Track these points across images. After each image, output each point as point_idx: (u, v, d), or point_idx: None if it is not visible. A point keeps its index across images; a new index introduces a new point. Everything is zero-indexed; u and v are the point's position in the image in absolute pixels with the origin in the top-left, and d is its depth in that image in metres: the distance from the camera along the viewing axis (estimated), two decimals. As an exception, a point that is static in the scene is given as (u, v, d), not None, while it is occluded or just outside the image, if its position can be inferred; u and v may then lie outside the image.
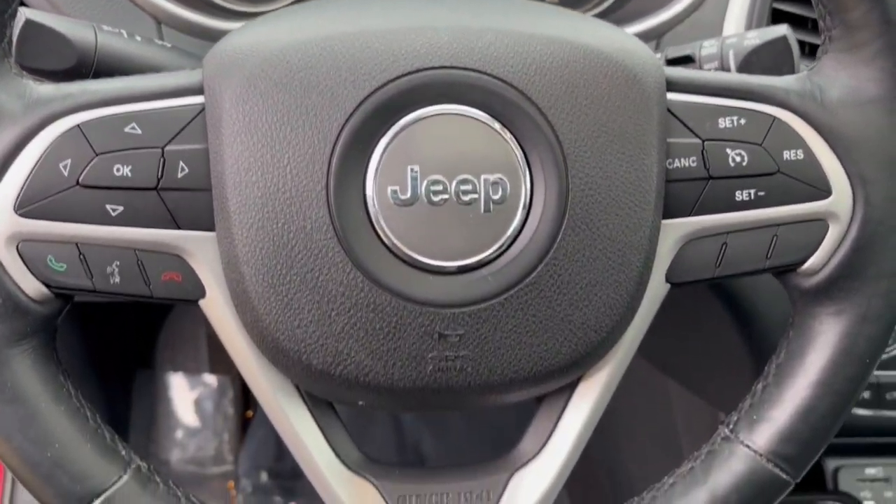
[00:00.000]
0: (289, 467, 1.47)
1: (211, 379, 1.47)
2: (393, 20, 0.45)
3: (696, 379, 1.01)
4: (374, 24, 0.45)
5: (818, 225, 0.48)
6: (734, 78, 0.48)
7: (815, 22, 0.50)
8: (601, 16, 0.82)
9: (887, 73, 0.46)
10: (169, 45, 0.59)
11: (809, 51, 0.72)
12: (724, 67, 0.59)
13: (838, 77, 0.48)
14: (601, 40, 0.46)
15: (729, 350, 0.87)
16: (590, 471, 1.25)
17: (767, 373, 0.51)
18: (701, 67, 0.59)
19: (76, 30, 0.54)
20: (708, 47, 0.60)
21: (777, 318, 0.67)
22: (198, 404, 1.46)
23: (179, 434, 1.44)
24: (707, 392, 0.99)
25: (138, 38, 0.57)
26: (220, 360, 1.47)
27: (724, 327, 0.85)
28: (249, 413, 1.50)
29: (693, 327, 0.96)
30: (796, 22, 0.68)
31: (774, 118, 0.47)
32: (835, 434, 0.50)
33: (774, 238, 0.48)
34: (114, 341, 1.34)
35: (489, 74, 0.44)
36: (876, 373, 0.81)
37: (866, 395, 0.82)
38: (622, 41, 0.47)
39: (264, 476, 1.46)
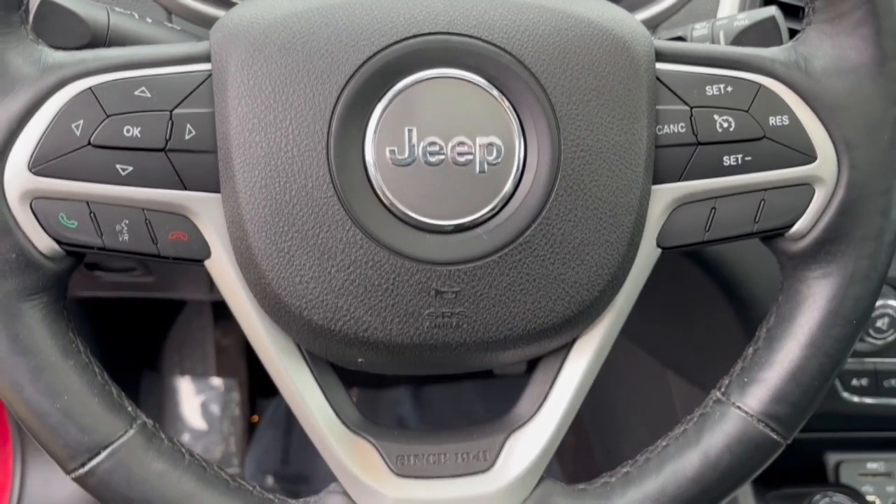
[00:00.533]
0: (294, 471, 1.48)
1: (217, 382, 1.48)
2: None
3: (698, 372, 1.01)
4: None
5: (804, 189, 0.49)
6: (720, 48, 0.50)
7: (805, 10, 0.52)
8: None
9: (868, 42, 0.48)
10: (178, 28, 0.61)
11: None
12: (715, 48, 0.60)
13: (822, 46, 0.49)
14: (592, 10, 0.48)
15: (731, 342, 0.88)
16: (591, 463, 1.25)
17: (758, 337, 0.53)
18: (693, 48, 0.61)
19: (90, 9, 0.56)
20: (699, 29, 0.61)
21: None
22: (204, 407, 1.47)
23: (186, 437, 1.45)
24: (708, 384, 0.99)
25: (149, 20, 0.60)
26: (226, 364, 1.49)
27: (725, 320, 0.86)
28: (255, 418, 1.51)
29: (694, 320, 0.97)
30: (787, 10, 0.70)
31: (760, 86, 0.49)
32: (824, 395, 0.51)
33: (762, 202, 0.49)
34: (122, 343, 1.35)
35: (484, 40, 0.46)
36: (873, 360, 0.83)
37: (864, 382, 0.83)
38: (612, 12, 0.49)
39: (270, 480, 1.47)
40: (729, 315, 0.85)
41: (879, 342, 0.81)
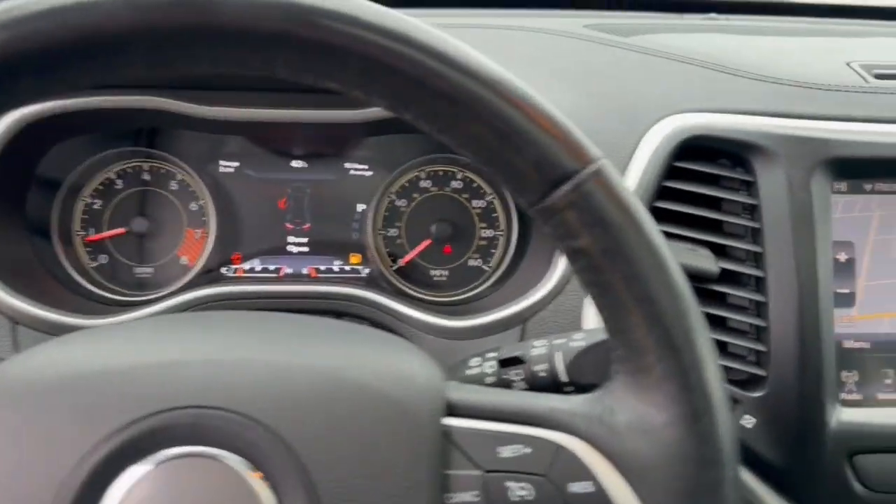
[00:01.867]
0: None
1: None
2: (145, 353, 0.44)
3: None
4: (123, 360, 0.43)
5: None
6: (516, 400, 0.45)
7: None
8: (471, 301, 0.82)
9: (675, 399, 0.43)
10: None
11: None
12: (552, 369, 0.56)
13: (626, 399, 0.45)
14: (370, 370, 0.44)
15: None
16: None
17: None
18: (531, 369, 0.57)
19: None
20: (538, 347, 0.58)
21: None
22: None
23: None
24: None
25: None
26: None
27: None
28: None
29: None
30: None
31: (559, 445, 0.44)
32: None
33: None
34: None
35: (237, 413, 0.41)
36: None
37: None
38: (397, 366, 0.45)
39: None
40: None
41: None
